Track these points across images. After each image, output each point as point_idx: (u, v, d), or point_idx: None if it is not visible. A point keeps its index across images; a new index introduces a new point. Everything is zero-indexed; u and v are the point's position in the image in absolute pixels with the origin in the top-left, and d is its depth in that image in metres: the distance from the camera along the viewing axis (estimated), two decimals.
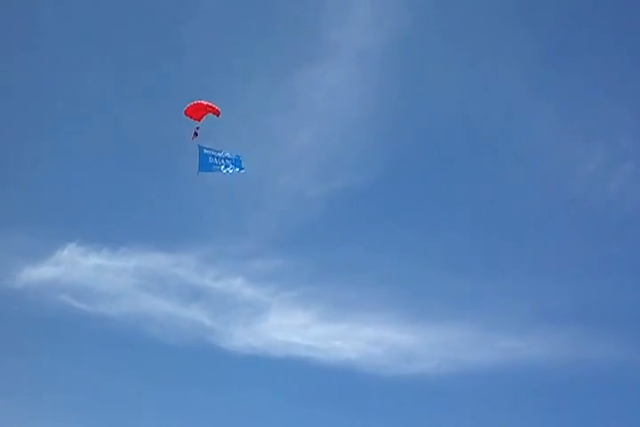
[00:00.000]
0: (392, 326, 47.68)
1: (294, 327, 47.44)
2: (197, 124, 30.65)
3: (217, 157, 30.83)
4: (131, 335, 45.52)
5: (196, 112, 30.81)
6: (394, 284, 48.75)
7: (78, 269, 46.15)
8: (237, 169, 31.01)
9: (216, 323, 46.50)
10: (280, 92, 52.67)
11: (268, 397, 45.80)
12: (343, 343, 47.18)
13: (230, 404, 45.52)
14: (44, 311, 44.80)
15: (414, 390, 46.17)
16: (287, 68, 52.49)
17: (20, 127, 49.99)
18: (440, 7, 52.49)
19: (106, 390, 43.81)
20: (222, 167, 30.84)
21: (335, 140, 52.20)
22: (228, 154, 31.07)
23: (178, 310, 46.57)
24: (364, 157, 52.10)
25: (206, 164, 30.62)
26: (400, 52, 52.31)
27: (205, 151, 30.76)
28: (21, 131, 50.22)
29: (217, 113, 30.99)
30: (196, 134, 30.91)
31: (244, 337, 46.32)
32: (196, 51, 51.81)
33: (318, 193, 50.91)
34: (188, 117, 30.67)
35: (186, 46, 51.62)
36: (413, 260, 49.71)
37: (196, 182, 49.16)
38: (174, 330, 45.94)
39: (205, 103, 30.69)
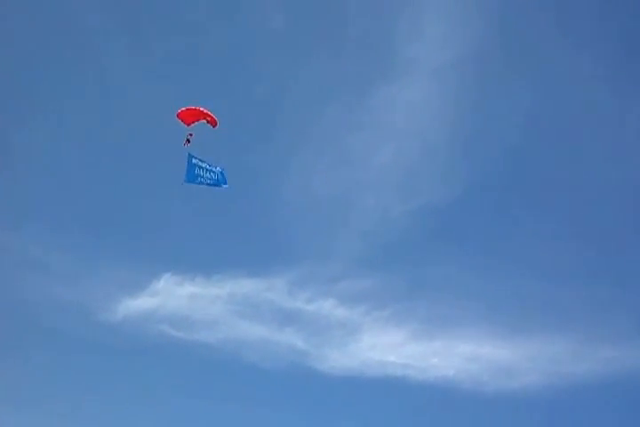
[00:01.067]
0: (488, 341, 47.22)
1: (389, 346, 47.52)
2: (188, 130, 29.94)
3: (203, 169, 30.22)
4: (228, 361, 46.31)
5: (189, 117, 29.97)
6: (486, 298, 48.39)
7: (174, 298, 47.30)
8: (221, 184, 30.49)
9: (310, 345, 46.92)
10: (358, 111, 53.17)
11: (368, 417, 45.76)
12: (440, 360, 46.94)
13: (330, 425, 45.87)
14: (144, 341, 45.86)
15: (516, 406, 45.44)
16: (364, 87, 53.08)
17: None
18: (514, 19, 52.33)
19: (207, 416, 44.73)
20: (206, 180, 30.26)
21: (416, 157, 52.38)
22: (213, 167, 30.46)
23: (272, 334, 47.11)
24: (445, 173, 52.25)
25: (192, 174, 30.04)
26: (476, 66, 52.33)
27: (194, 161, 30.11)
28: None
29: (214, 123, 30.21)
30: (188, 141, 30.12)
31: (339, 358, 46.56)
32: (271, 75, 52.75)
33: (402, 211, 51.16)
34: (179, 120, 29.86)
35: (259, 71, 52.58)
36: (504, 273, 49.29)
37: (282, 206, 51.03)
38: (270, 354, 46.49)
39: (203, 110, 29.98)
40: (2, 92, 49.32)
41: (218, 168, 30.57)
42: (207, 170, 30.27)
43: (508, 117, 52.64)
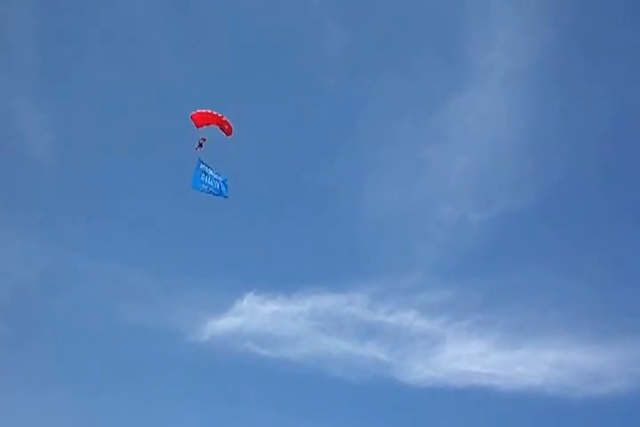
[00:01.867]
0: (574, 347, 46.55)
1: (473, 356, 47.39)
2: (201, 134, 29.45)
3: (209, 177, 29.73)
4: (313, 376, 47.13)
5: (200, 120, 29.22)
6: (568, 304, 47.92)
7: (258, 317, 48.44)
8: (222, 195, 30.04)
9: (393, 358, 47.23)
10: (432, 123, 53.43)
11: None
12: (525, 369, 46.51)
13: None
14: (231, 360, 47.21)
15: (606, 411, 44.68)
16: (436, 99, 53.51)
17: None
18: (583, 22, 51.70)
19: None
20: (209, 188, 29.74)
21: (490, 166, 52.37)
22: (218, 176, 29.91)
23: (355, 348, 47.68)
24: (520, 180, 52.06)
25: (198, 181, 29.56)
26: (547, 72, 52.14)
27: (201, 167, 29.60)
28: None
29: (228, 132, 29.40)
30: (200, 145, 29.55)
31: (423, 370, 46.68)
32: (341, 93, 53.57)
33: (479, 219, 51.14)
34: (192, 122, 29.15)
35: (328, 89, 53.54)
36: (585, 277, 48.60)
37: (359, 220, 51.67)
38: (354, 368, 46.98)
39: (217, 115, 29.25)
40: None
41: (222, 177, 30.23)
42: (212, 178, 29.96)
43: (580, 123, 52.18)
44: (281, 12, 52.22)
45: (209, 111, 29.45)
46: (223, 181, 30.28)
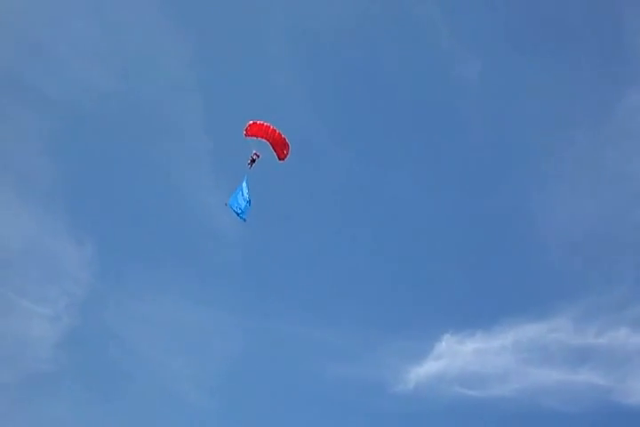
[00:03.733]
0: None
1: None
2: (254, 148, 27.79)
3: (243, 196, 28.25)
4: (528, 411, 45.00)
5: (255, 130, 27.24)
6: None
7: (459, 357, 47.15)
8: (242, 216, 28.30)
9: (612, 381, 44.46)
10: (607, 124, 50.64)
11: None
12: None
13: None
14: (440, 406, 46.01)
15: None
16: (608, 97, 50.83)
17: None
18: None
19: None
20: (236, 208, 28.24)
21: None
22: (247, 196, 28.23)
23: (567, 375, 45.31)
24: None
25: (234, 198, 28.29)
26: None
27: (243, 184, 28.29)
28: None
29: (282, 155, 27.47)
30: (253, 161, 27.86)
31: None
32: (497, 115, 52.04)
33: None
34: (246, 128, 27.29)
35: (482, 114, 51.96)
36: None
37: (549, 239, 49.06)
38: (570, 397, 44.63)
39: (284, 138, 27.40)
40: None
41: (248, 198, 28.58)
42: (243, 197, 28.55)
43: None
44: (414, 45, 51.97)
45: (270, 127, 27.85)
46: (247, 203, 28.75)
